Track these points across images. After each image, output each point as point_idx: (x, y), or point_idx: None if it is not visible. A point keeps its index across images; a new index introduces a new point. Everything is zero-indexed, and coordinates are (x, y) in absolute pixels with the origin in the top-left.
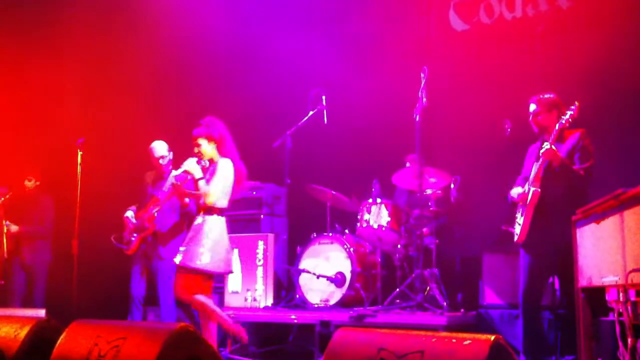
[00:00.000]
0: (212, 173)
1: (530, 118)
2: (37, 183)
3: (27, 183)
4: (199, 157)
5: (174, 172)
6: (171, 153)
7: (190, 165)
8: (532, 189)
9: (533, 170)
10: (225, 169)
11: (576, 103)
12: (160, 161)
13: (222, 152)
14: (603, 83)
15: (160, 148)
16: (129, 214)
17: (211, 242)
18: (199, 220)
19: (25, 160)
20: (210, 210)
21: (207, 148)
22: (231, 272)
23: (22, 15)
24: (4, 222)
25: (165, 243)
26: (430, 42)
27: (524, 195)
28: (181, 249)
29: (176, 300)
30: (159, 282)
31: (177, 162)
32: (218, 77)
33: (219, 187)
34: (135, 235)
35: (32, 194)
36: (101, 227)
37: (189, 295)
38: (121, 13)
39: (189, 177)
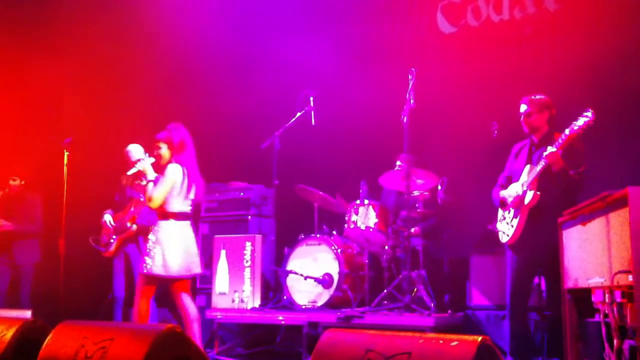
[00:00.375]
0: (160, 178)
1: (522, 118)
2: (22, 182)
3: (11, 182)
4: (157, 159)
5: (130, 172)
6: (147, 155)
7: (144, 165)
8: (531, 191)
9: (526, 171)
10: (173, 174)
11: (591, 110)
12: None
13: (176, 159)
14: (591, 84)
15: (136, 151)
16: (107, 217)
17: (165, 247)
18: (157, 226)
19: (10, 160)
20: (165, 215)
21: (166, 153)
22: (192, 275)
23: (17, 14)
24: None
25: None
26: (417, 44)
27: (517, 197)
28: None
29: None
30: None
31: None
32: (207, 79)
33: (162, 192)
34: (114, 237)
35: (19, 193)
36: (88, 228)
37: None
38: (111, 13)
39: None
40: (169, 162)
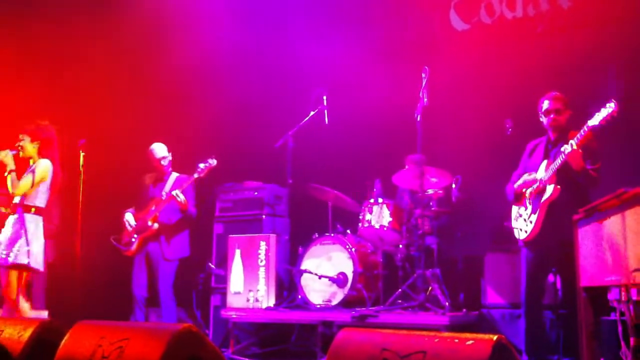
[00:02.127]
0: (31, 171)
1: (551, 115)
2: None
3: None
4: (18, 151)
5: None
6: (170, 154)
7: (4, 157)
8: (551, 185)
9: (543, 166)
10: (42, 170)
11: (614, 101)
12: (162, 162)
13: (42, 153)
14: (604, 82)
15: (160, 149)
16: (128, 216)
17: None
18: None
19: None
20: (28, 208)
21: (29, 146)
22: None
23: (28, 13)
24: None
25: (169, 243)
26: (431, 42)
27: (531, 181)
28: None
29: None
30: (160, 283)
31: (177, 163)
32: (219, 78)
33: (28, 184)
34: (136, 236)
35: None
36: (104, 228)
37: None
38: (120, 13)
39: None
40: (32, 156)
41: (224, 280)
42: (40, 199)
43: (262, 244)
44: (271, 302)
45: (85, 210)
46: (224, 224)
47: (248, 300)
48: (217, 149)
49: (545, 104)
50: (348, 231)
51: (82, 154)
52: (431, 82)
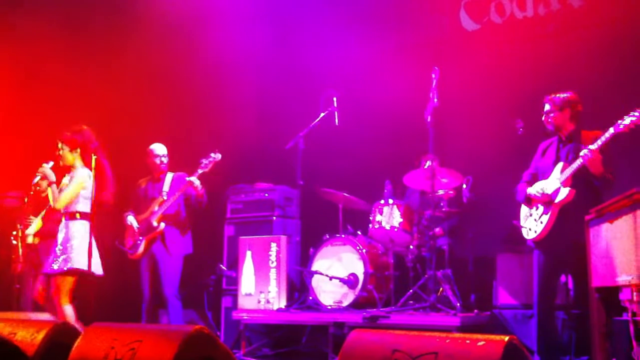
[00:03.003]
0: (69, 183)
1: (543, 117)
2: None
3: (41, 182)
4: (58, 161)
5: (34, 181)
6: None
7: (44, 171)
8: (567, 188)
9: (558, 168)
10: (79, 178)
11: (638, 110)
12: (163, 159)
13: (85, 159)
14: (616, 81)
15: (161, 148)
16: (131, 218)
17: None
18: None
19: (36, 163)
20: (72, 215)
21: (69, 155)
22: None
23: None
24: (18, 226)
25: (173, 241)
26: (441, 42)
27: (545, 195)
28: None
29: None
30: (165, 281)
31: (186, 165)
32: (230, 80)
33: (67, 197)
34: (141, 238)
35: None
36: (112, 230)
37: (65, 299)
38: (137, 11)
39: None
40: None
41: (235, 281)
42: (82, 204)
43: (273, 246)
44: (282, 303)
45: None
46: (235, 225)
47: (259, 301)
48: (228, 150)
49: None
50: (359, 232)
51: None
52: (441, 82)
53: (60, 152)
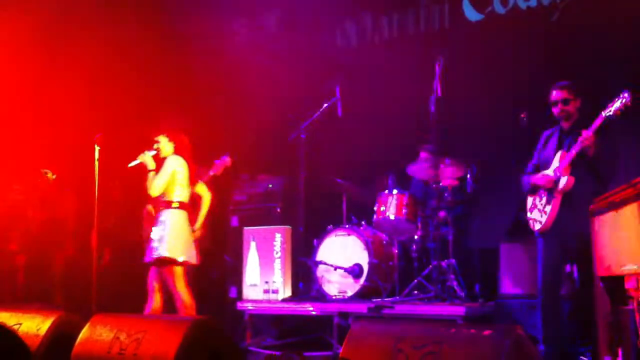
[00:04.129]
0: (161, 171)
1: (558, 105)
2: (54, 177)
3: (49, 175)
4: (158, 151)
5: (131, 164)
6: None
7: (144, 157)
8: (565, 176)
9: (557, 157)
10: (171, 165)
11: (627, 91)
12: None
13: (178, 152)
14: (619, 72)
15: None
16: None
17: (175, 233)
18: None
19: (42, 155)
20: (169, 204)
21: (166, 146)
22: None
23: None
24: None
25: None
26: (444, 33)
27: (549, 178)
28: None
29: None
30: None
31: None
32: (232, 70)
33: (161, 182)
34: None
35: (55, 188)
36: (121, 223)
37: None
38: (134, 6)
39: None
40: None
41: (240, 272)
42: (179, 194)
43: (278, 236)
44: (287, 293)
45: (101, 204)
46: (239, 216)
47: (264, 292)
48: (231, 142)
49: (554, 94)
50: (363, 222)
51: (97, 148)
52: (445, 73)
53: (159, 145)
